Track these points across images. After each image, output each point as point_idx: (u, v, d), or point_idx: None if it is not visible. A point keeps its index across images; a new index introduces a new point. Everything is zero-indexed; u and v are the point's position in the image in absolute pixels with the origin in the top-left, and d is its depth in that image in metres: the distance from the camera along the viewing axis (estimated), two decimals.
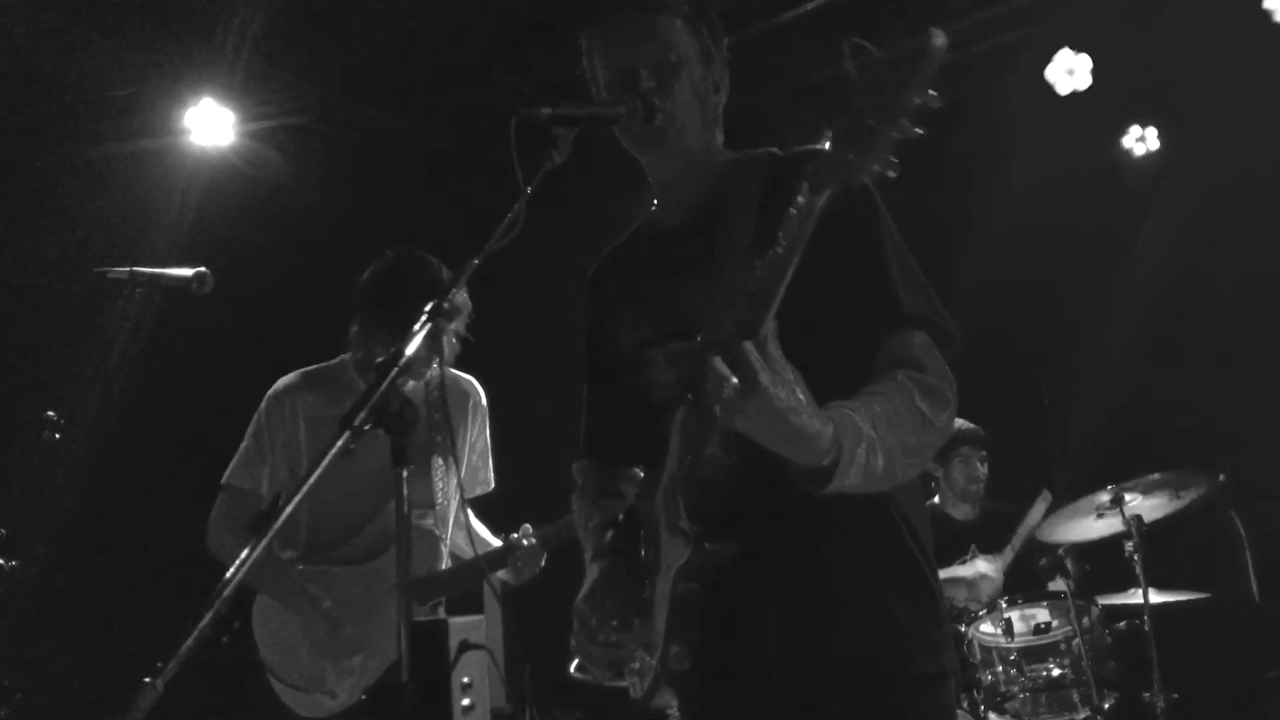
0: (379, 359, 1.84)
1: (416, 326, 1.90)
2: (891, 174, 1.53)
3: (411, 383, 3.48)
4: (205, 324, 5.07)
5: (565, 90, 2.27)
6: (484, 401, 3.76)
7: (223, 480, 3.53)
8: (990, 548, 5.02)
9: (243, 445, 3.55)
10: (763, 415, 1.56)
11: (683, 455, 1.87)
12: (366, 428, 1.78)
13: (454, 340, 3.56)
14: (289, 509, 1.76)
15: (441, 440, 3.58)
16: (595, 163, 2.30)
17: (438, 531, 3.57)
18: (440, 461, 3.57)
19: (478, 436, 3.75)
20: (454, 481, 3.64)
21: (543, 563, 3.56)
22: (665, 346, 2.10)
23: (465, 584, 3.58)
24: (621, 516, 2.23)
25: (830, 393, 1.74)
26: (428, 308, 1.94)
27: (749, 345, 1.54)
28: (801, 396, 1.60)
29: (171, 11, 4.96)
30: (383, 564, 3.45)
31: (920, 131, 1.51)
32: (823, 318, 1.80)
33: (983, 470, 5.21)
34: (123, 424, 5.10)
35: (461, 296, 3.49)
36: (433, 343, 3.37)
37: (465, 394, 3.71)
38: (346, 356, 3.59)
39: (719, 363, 1.53)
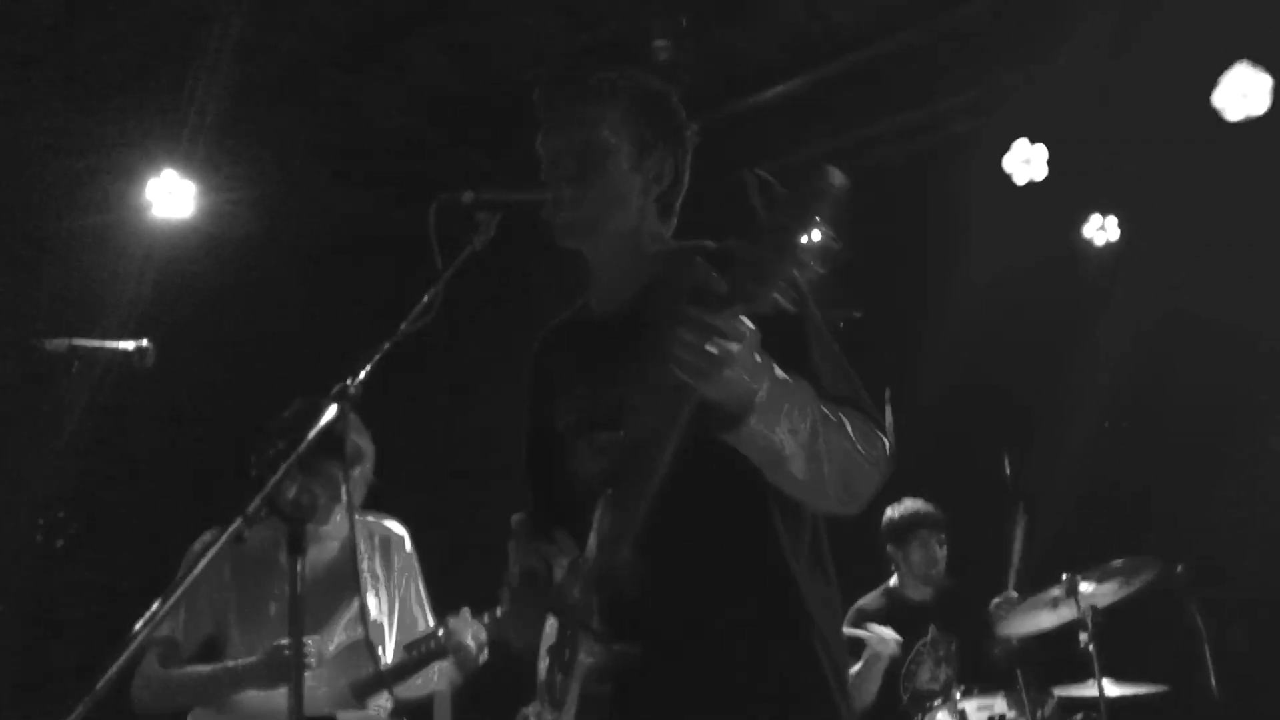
0: (272, 451, 1.84)
1: (323, 415, 1.89)
2: (791, 309, 1.60)
3: (324, 528, 3.42)
4: (163, 398, 5.03)
5: (526, 165, 2.30)
6: (408, 546, 3.68)
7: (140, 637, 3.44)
8: (950, 625, 4.97)
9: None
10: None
11: (599, 551, 1.86)
12: (262, 516, 1.77)
13: (362, 483, 3.50)
14: (174, 598, 1.76)
15: (369, 568, 3.53)
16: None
17: (374, 640, 3.49)
18: (372, 585, 3.52)
19: (407, 585, 3.65)
20: (387, 604, 3.57)
21: (485, 654, 3.44)
22: (590, 437, 2.09)
23: (405, 677, 3.47)
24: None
25: (753, 478, 1.78)
26: (334, 391, 1.93)
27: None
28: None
29: (135, 84, 5.00)
30: (319, 672, 3.35)
31: (821, 270, 1.57)
32: None
33: (941, 552, 5.18)
34: (74, 498, 5.02)
35: (365, 442, 3.45)
36: (334, 490, 3.33)
37: (386, 540, 3.64)
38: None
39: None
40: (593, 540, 1.91)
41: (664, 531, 1.78)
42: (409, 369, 3.50)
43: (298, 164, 5.56)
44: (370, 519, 3.64)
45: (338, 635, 3.43)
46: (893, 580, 5.27)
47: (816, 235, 1.55)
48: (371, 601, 3.49)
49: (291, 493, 1.78)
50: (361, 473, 3.49)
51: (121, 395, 4.76)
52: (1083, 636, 4.54)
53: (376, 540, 3.61)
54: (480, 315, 3.91)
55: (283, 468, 1.79)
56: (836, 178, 1.54)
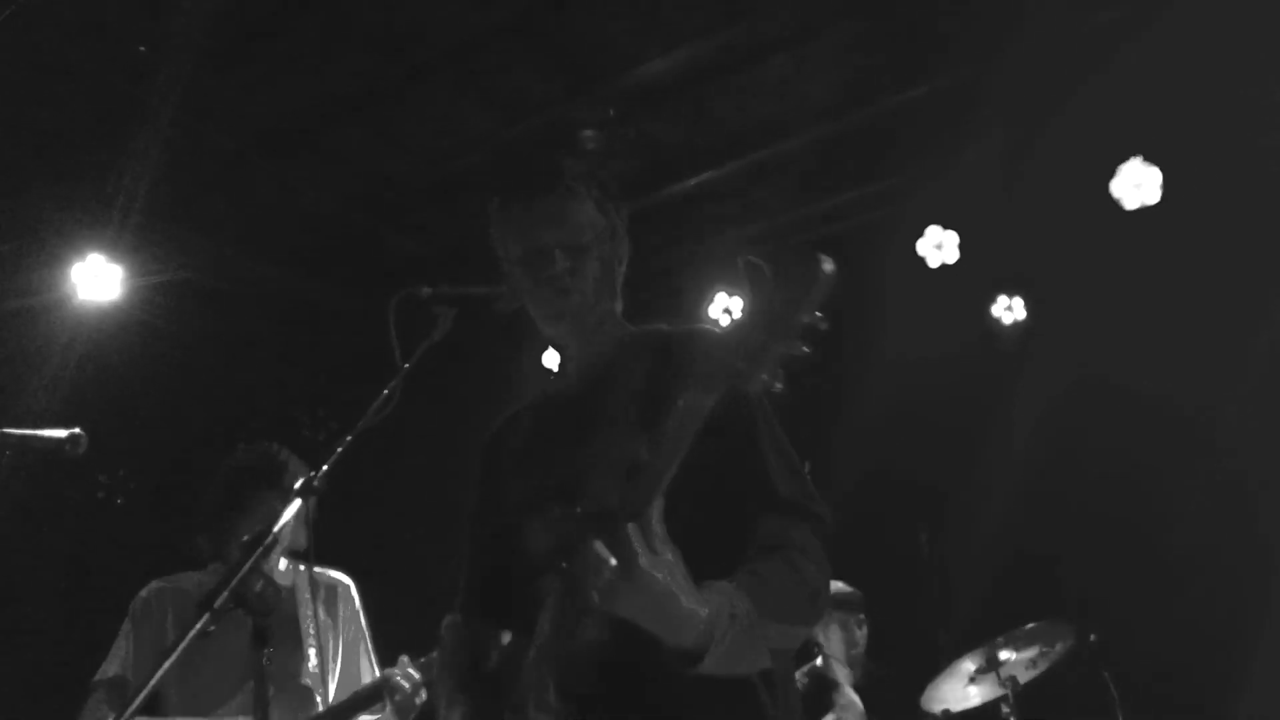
0: (244, 537, 1.86)
1: (289, 506, 1.93)
2: (778, 386, 1.62)
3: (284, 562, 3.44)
4: (84, 484, 4.95)
5: (456, 251, 2.36)
6: (354, 595, 3.69)
7: (94, 679, 3.42)
8: (872, 709, 5.04)
9: (114, 646, 3.46)
10: (640, 598, 1.59)
11: (554, 629, 1.87)
12: (229, 609, 1.80)
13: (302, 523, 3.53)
14: (149, 688, 1.76)
15: (311, 614, 3.51)
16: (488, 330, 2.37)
17: (311, 685, 3.45)
18: (312, 632, 3.50)
19: (353, 635, 3.65)
20: (327, 657, 3.56)
21: (422, 697, 3.43)
22: (542, 513, 2.14)
23: None
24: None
25: (701, 570, 1.76)
26: (297, 485, 1.97)
27: (632, 527, 1.58)
28: (680, 579, 1.64)
29: (60, 168, 4.98)
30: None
31: (807, 350, 1.61)
32: (699, 498, 1.86)
33: (861, 634, 5.25)
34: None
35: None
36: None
37: (332, 589, 3.65)
38: (216, 565, 3.56)
39: (599, 545, 1.58)
40: (545, 615, 1.92)
41: None
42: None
43: (225, 248, 5.56)
44: (317, 570, 3.63)
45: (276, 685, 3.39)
46: (818, 660, 5.32)
47: (805, 318, 1.60)
48: (312, 652, 3.46)
49: (258, 586, 1.81)
50: (301, 512, 3.50)
51: (45, 480, 4.68)
52: (1004, 709, 4.66)
53: (323, 591, 3.60)
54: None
55: (249, 562, 1.82)
56: (829, 265, 1.61)
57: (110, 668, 3.40)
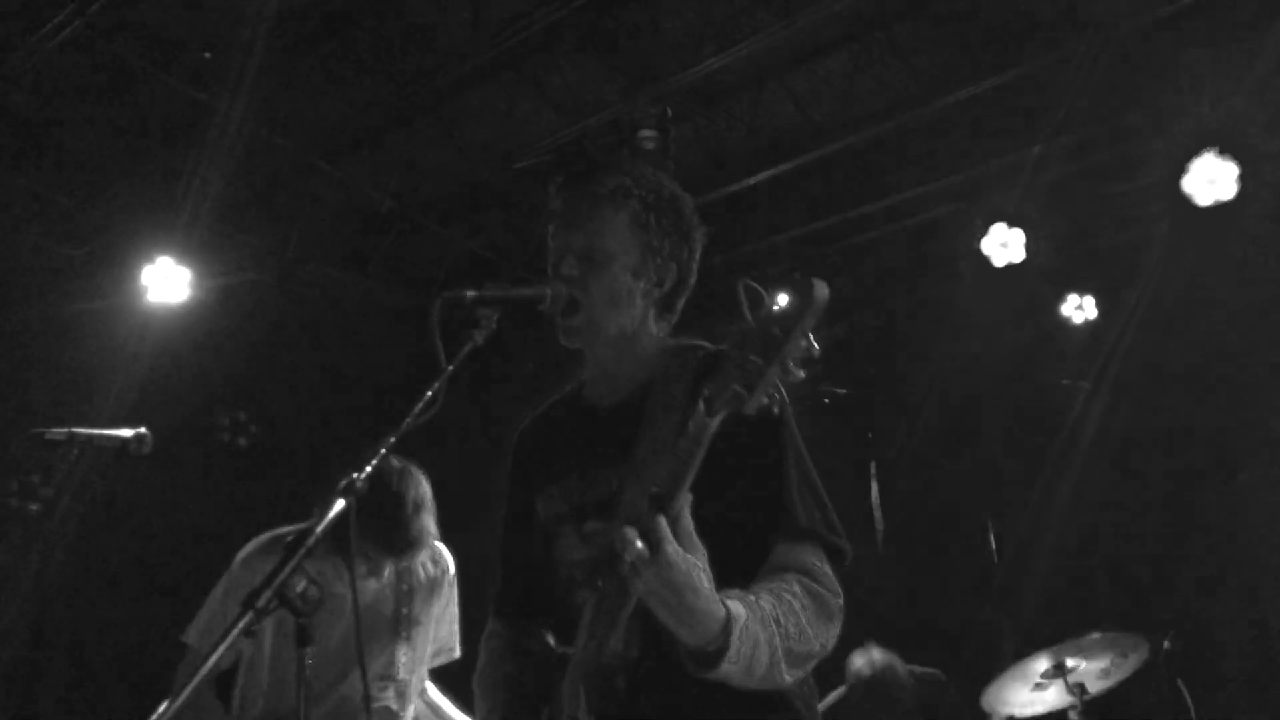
0: (288, 538, 1.86)
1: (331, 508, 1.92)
2: (775, 409, 1.65)
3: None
4: (156, 483, 5.04)
5: (517, 251, 2.36)
6: (453, 570, 3.71)
7: (182, 637, 3.47)
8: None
9: (207, 603, 3.49)
10: (660, 584, 1.60)
11: (587, 644, 1.87)
12: (272, 608, 1.80)
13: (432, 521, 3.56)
14: (194, 683, 1.76)
15: (407, 613, 3.53)
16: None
17: (395, 706, 3.46)
18: (405, 633, 3.52)
19: (446, 606, 3.67)
20: (418, 653, 3.58)
21: None
22: (580, 526, 2.13)
23: None
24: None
25: (740, 579, 1.79)
26: (340, 485, 1.96)
27: (661, 518, 1.61)
28: (703, 576, 1.65)
29: (131, 172, 5.10)
30: None
31: (803, 374, 1.63)
32: (720, 517, 1.85)
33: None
34: (63, 584, 5.01)
35: (426, 485, 3.49)
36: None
37: (436, 562, 3.63)
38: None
39: (630, 529, 1.60)
40: (582, 631, 1.92)
41: (654, 623, 1.80)
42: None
43: (290, 249, 5.64)
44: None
45: (356, 681, 3.40)
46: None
47: (802, 343, 1.62)
48: (402, 650, 3.49)
49: (300, 586, 1.80)
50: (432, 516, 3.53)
51: (115, 480, 4.78)
52: (1072, 715, 4.55)
53: (429, 564, 3.61)
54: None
55: (292, 562, 1.82)
56: (821, 290, 1.61)
57: (197, 638, 3.41)
